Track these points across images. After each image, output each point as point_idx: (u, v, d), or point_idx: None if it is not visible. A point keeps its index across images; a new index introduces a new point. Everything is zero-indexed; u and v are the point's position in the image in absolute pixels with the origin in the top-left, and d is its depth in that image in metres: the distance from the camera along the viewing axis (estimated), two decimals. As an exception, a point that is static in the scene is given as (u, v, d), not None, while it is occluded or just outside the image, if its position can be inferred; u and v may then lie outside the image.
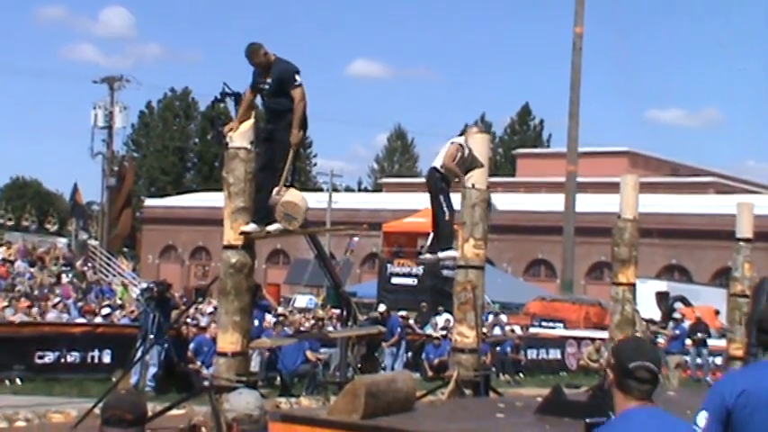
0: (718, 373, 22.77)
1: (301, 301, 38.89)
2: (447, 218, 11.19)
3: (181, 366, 16.49)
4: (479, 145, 11.27)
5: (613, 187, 14.96)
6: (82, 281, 31.48)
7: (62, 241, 42.13)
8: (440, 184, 11.20)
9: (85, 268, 34.65)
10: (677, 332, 22.28)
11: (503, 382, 21.24)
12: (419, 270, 32.53)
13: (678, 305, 23.90)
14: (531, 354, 26.07)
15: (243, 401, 4.52)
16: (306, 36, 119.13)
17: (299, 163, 11.37)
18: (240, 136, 9.49)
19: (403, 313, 24.83)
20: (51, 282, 29.11)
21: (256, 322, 15.55)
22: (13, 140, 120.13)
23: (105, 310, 20.84)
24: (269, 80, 9.49)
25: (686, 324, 23.68)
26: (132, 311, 21.52)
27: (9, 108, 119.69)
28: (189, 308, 17.89)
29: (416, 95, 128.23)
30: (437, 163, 11.27)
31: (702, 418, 4.05)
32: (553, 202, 49.22)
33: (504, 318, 29.01)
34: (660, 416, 3.67)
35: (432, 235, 11.68)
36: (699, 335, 24.60)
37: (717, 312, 29.89)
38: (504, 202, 36.02)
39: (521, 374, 24.26)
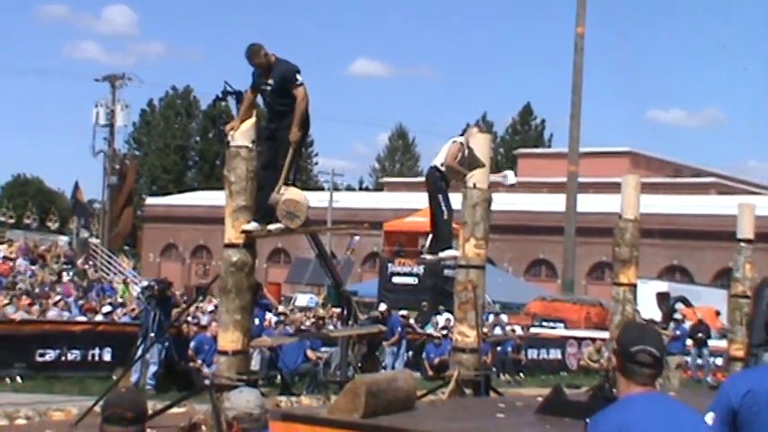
0: (718, 374, 22.77)
1: (302, 299, 38.86)
2: (445, 217, 11.20)
3: (181, 365, 16.49)
4: (481, 145, 11.25)
5: (614, 187, 14.95)
6: (83, 279, 31.53)
7: (63, 239, 42.15)
8: (439, 183, 11.20)
9: (86, 266, 34.71)
10: (678, 333, 22.25)
11: (503, 382, 21.26)
12: (420, 269, 32.45)
13: (679, 306, 23.80)
14: (532, 354, 26.06)
15: (243, 400, 4.53)
16: (307, 35, 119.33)
17: (301, 162, 11.36)
18: (241, 135, 9.50)
19: (404, 312, 24.81)
20: (52, 280, 29.15)
21: (257, 321, 15.59)
22: (14, 138, 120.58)
23: (106, 309, 20.86)
24: (270, 81, 9.51)
25: (687, 325, 23.65)
26: (133, 310, 21.54)
27: (11, 106, 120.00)
28: (190, 306, 17.85)
29: (418, 95, 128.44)
30: (437, 162, 11.27)
31: (709, 419, 4.05)
32: (554, 203, 49.17)
33: (504, 317, 28.97)
34: (663, 401, 3.63)
35: (431, 235, 11.68)
36: (699, 335, 24.61)
37: (717, 313, 29.88)
38: (505, 202, 36.01)
39: (521, 374, 24.26)
